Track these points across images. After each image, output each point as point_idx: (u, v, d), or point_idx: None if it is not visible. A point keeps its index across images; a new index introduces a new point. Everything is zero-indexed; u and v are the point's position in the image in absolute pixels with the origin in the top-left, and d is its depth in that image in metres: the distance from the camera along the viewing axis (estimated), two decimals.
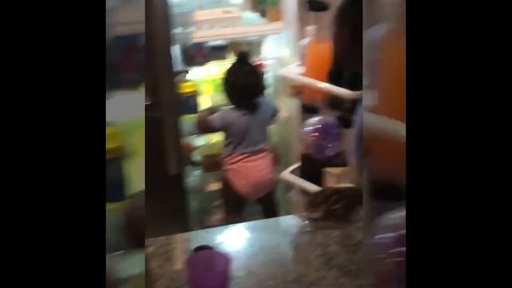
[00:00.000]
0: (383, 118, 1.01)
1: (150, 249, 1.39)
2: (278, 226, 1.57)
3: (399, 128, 0.92)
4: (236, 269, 1.27)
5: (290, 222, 1.60)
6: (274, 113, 2.73)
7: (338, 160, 2.19)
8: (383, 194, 1.09)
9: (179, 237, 1.49)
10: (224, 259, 1.22)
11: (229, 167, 2.66)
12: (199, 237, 1.53)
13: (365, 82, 1.08)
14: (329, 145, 2.30)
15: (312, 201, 1.47)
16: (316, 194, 1.50)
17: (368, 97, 1.07)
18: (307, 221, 1.49)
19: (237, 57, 2.66)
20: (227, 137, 2.65)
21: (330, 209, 1.44)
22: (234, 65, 2.61)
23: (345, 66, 1.95)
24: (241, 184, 2.65)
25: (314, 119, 2.32)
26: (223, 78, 2.62)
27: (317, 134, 2.30)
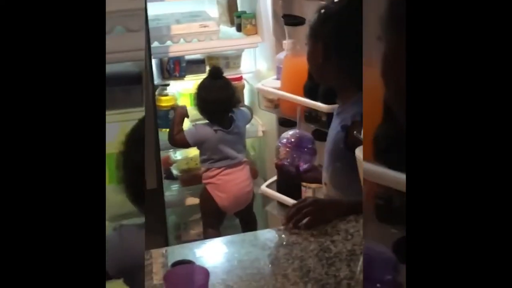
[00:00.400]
0: (382, 168, 1.02)
1: None
2: (255, 240, 1.57)
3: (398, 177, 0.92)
4: (214, 283, 1.27)
5: (267, 236, 1.60)
6: (248, 120, 2.74)
7: (311, 175, 2.20)
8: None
9: (157, 252, 1.48)
10: (202, 273, 1.22)
11: (207, 181, 2.66)
12: (176, 252, 1.53)
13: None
14: (302, 158, 2.31)
15: (287, 215, 1.53)
16: (290, 208, 1.56)
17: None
18: (284, 235, 1.50)
19: (209, 72, 2.67)
20: (202, 153, 2.65)
21: (301, 222, 1.50)
22: (206, 80, 2.61)
23: (319, 82, 1.99)
24: (220, 198, 2.65)
25: (290, 132, 2.33)
26: (195, 94, 2.62)
27: (290, 146, 2.30)
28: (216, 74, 2.61)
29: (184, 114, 2.65)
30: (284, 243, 1.49)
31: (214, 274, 1.28)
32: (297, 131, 2.32)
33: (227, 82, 2.63)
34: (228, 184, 2.63)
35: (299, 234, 1.49)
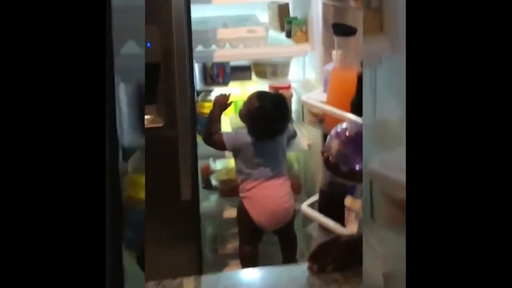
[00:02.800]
0: None
1: None
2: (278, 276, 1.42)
3: None
4: None
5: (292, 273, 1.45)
6: (292, 136, 2.59)
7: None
8: None
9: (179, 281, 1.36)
10: None
11: (243, 194, 2.52)
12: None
13: None
14: (357, 156, 1.95)
15: (312, 257, 1.37)
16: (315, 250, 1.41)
17: None
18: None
19: (273, 99, 2.49)
20: (237, 163, 2.51)
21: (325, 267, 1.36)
22: (265, 103, 2.43)
23: None
24: (256, 213, 2.50)
25: (342, 127, 1.92)
26: (249, 110, 2.45)
27: (345, 141, 1.94)
28: (280, 104, 2.46)
29: (223, 104, 2.50)
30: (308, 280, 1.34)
31: None
32: (349, 124, 1.92)
33: (288, 110, 2.50)
34: (265, 198, 2.48)
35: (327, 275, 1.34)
